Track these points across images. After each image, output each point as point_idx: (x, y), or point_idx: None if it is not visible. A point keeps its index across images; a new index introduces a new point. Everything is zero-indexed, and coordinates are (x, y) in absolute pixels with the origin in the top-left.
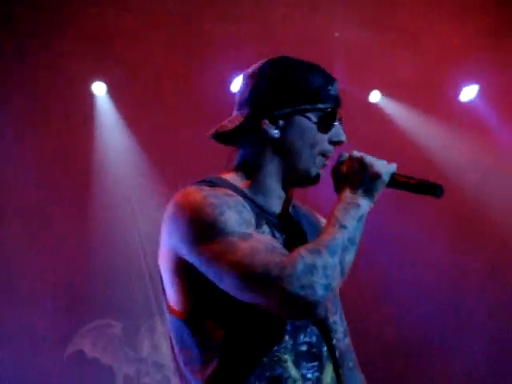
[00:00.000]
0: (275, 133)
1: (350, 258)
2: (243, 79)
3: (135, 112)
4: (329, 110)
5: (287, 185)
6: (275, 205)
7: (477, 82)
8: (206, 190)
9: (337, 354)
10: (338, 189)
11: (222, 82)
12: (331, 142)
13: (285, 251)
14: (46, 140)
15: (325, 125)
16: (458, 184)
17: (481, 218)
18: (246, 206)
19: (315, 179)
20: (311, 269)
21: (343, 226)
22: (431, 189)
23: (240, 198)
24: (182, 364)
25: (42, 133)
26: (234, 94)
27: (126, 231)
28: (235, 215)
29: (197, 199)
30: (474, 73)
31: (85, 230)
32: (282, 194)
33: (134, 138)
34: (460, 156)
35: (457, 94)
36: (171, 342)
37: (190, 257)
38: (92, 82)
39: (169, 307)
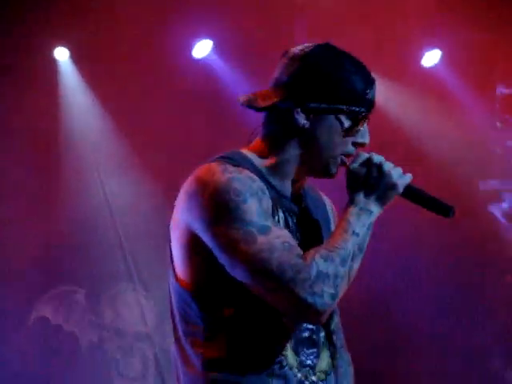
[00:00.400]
0: (305, 123)
1: (356, 266)
2: (287, 58)
3: (99, 77)
4: (362, 114)
5: (303, 173)
6: (289, 189)
7: (439, 48)
8: (231, 172)
9: (334, 338)
10: (352, 189)
11: (184, 46)
12: (354, 143)
13: (300, 251)
14: (10, 107)
15: (353, 127)
16: (421, 149)
17: (446, 181)
18: (266, 191)
19: (332, 175)
20: (323, 277)
21: (355, 233)
22: (443, 209)
23: (261, 184)
24: (181, 334)
25: (6, 100)
26: (197, 59)
27: (95, 196)
28: (256, 204)
29: (222, 180)
30: (437, 38)
31: (52, 195)
32: (297, 179)
33: (98, 102)
34: (423, 121)
35: (419, 59)
36: (172, 310)
37: (205, 237)
38: (54, 47)
39: (175, 275)
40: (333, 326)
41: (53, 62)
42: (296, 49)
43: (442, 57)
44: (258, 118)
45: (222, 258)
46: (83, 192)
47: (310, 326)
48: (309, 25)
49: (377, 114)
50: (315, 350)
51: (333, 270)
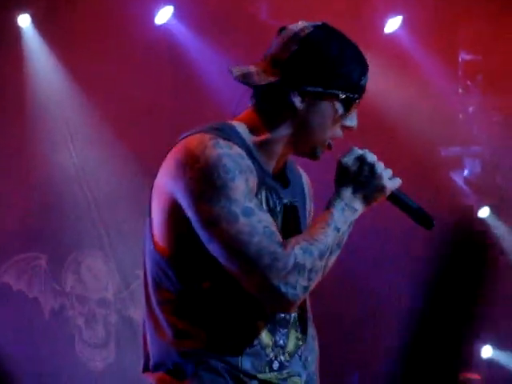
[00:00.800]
0: (300, 106)
1: (332, 261)
2: (286, 36)
3: (61, 43)
4: (356, 100)
5: (289, 152)
6: (273, 166)
7: (401, 13)
8: (222, 147)
9: (306, 317)
10: (340, 183)
11: (146, 11)
12: (343, 127)
13: (280, 238)
14: None
15: (345, 112)
16: (384, 117)
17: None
18: (253, 169)
19: (317, 158)
20: (300, 268)
21: (337, 229)
22: (425, 221)
23: (249, 162)
24: (154, 301)
25: None
26: (159, 25)
27: (62, 158)
28: (244, 184)
29: (212, 155)
30: (398, 3)
31: (18, 158)
32: (282, 157)
33: (62, 67)
34: (386, 89)
35: (381, 24)
36: (145, 276)
37: (188, 210)
38: (17, 14)
39: (153, 240)
40: (305, 306)
41: (16, 29)
42: (296, 27)
43: (403, 22)
44: (224, 85)
45: (202, 234)
46: (53, 155)
47: None
48: None
49: None
50: (286, 330)
51: (310, 263)
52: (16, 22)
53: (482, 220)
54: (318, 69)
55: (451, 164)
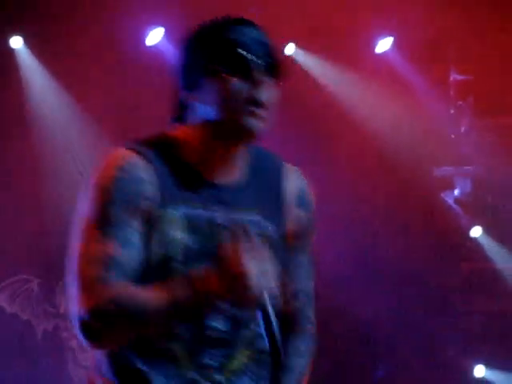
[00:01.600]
0: (195, 97)
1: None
2: None
3: (55, 64)
4: (240, 59)
5: (229, 145)
6: (221, 172)
7: (392, 34)
8: (123, 170)
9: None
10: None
11: (137, 34)
12: (253, 99)
13: (116, 278)
14: None
15: (242, 75)
16: (376, 137)
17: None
18: (150, 188)
19: (250, 132)
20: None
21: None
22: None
23: (149, 184)
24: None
25: None
26: (149, 46)
27: (59, 183)
28: (122, 212)
29: (109, 176)
30: (389, 24)
31: (14, 183)
32: (230, 157)
33: (59, 87)
34: (379, 110)
35: (372, 46)
36: None
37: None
38: (9, 36)
39: None
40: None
41: (10, 51)
42: None
43: (394, 43)
44: None
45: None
46: (45, 180)
47: (220, 326)
48: (261, 11)
49: (330, 103)
50: (225, 349)
51: (118, 319)
52: (8, 44)
53: (474, 240)
54: (187, 62)
55: (443, 184)
